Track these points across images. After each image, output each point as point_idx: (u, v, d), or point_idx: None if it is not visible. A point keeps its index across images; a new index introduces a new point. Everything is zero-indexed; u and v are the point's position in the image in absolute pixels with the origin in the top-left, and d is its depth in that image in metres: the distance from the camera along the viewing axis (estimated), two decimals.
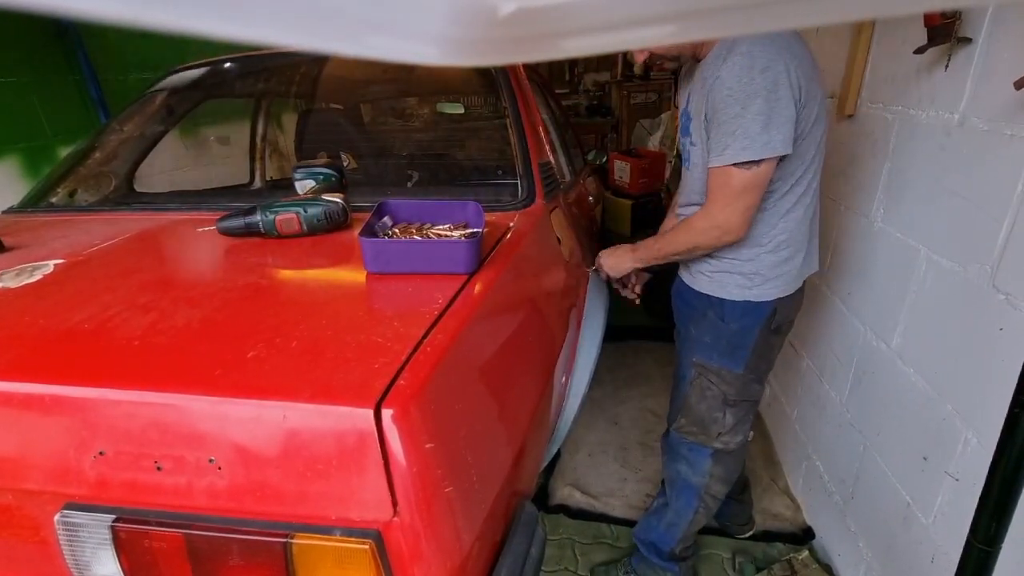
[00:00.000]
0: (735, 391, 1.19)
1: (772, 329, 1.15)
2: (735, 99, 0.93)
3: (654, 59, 1.12)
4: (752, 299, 1.11)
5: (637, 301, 1.40)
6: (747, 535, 1.58)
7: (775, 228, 1.07)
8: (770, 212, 1.06)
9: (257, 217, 1.01)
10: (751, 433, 1.30)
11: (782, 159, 0.98)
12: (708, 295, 1.16)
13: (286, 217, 1.00)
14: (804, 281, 1.17)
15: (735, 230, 1.02)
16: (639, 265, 1.25)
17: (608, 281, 1.38)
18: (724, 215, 1.01)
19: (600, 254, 1.34)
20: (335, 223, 1.02)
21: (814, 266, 1.18)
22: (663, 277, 1.45)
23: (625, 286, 1.38)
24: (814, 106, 0.97)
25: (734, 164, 0.96)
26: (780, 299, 1.12)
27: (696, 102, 1.05)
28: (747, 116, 0.93)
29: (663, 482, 1.40)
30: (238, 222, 1.03)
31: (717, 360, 1.18)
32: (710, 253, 1.12)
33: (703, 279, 1.17)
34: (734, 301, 1.13)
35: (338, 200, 1.02)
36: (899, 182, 1.19)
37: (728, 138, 0.95)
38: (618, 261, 1.29)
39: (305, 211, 1.00)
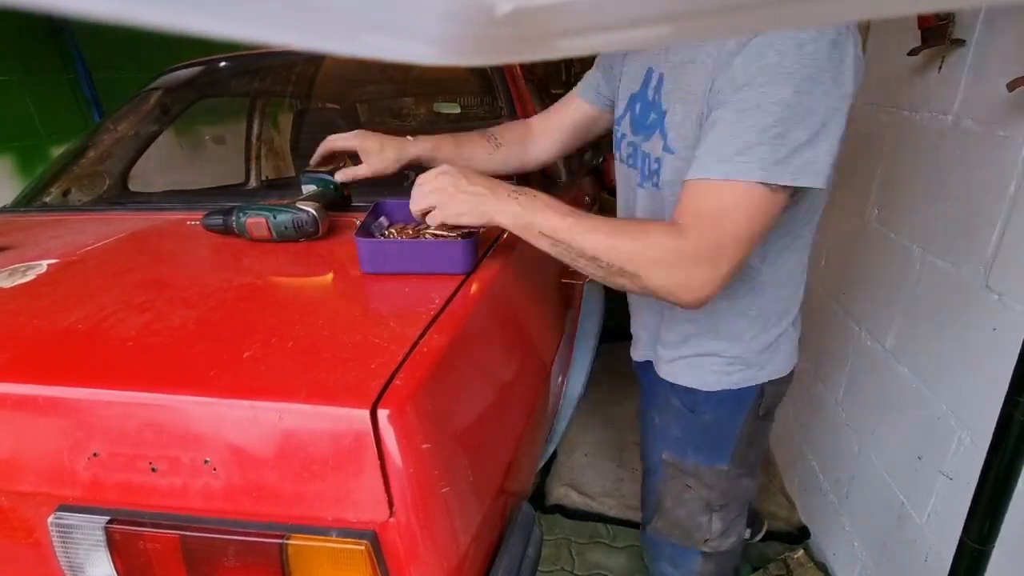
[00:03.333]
0: (719, 493, 0.91)
1: (761, 415, 0.88)
2: (787, 74, 0.56)
3: None
4: (730, 387, 0.84)
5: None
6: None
7: (773, 299, 0.79)
8: (769, 269, 0.77)
9: (232, 217, 1.00)
10: (748, 532, 1.07)
11: (799, 193, 0.65)
12: (669, 381, 0.88)
13: (256, 221, 0.98)
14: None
15: (709, 291, 0.63)
16: (511, 230, 0.73)
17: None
18: (701, 264, 0.62)
19: (431, 177, 0.76)
20: (303, 232, 0.97)
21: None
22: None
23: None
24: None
25: (760, 182, 0.58)
26: (769, 382, 0.85)
27: (689, 81, 0.67)
28: (796, 110, 0.57)
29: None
30: (217, 220, 1.02)
31: (692, 456, 0.91)
32: (666, 324, 0.83)
33: (662, 364, 0.89)
34: (706, 392, 0.85)
35: (308, 208, 0.96)
36: (893, 183, 1.20)
37: (752, 137, 0.58)
38: (476, 205, 0.72)
39: (274, 217, 0.97)
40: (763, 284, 0.77)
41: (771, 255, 0.75)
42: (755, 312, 0.79)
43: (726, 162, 0.59)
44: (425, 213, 0.76)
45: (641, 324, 0.96)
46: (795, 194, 0.63)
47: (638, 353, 0.98)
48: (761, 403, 0.87)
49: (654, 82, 0.74)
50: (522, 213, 0.70)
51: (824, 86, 0.57)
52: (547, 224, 0.70)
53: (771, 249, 0.75)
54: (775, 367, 0.84)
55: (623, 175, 0.88)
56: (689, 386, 0.86)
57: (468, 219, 0.73)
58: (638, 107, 0.78)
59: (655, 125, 0.74)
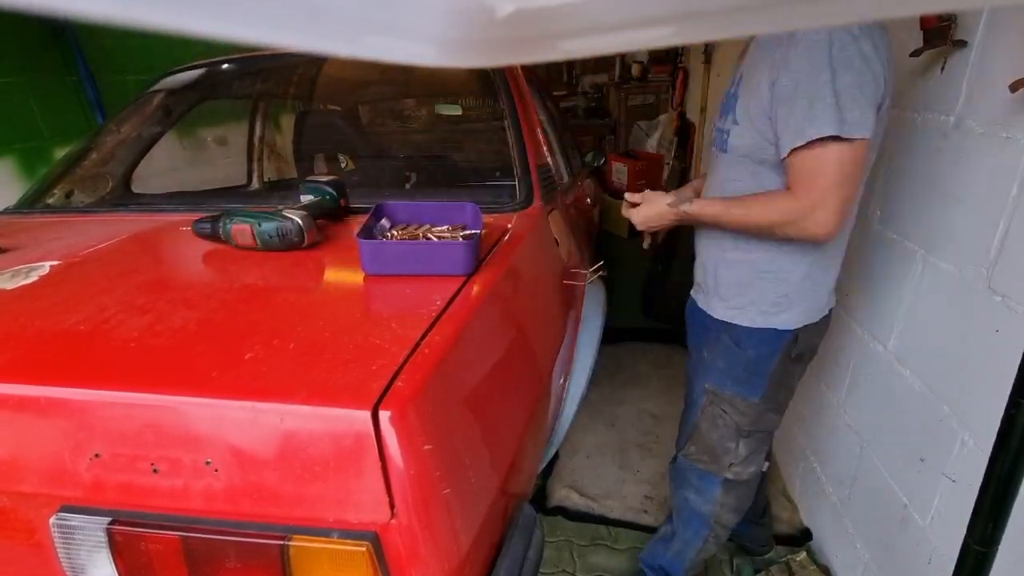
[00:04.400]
0: (749, 421, 1.10)
1: (793, 357, 1.05)
2: (825, 62, 0.79)
3: None
4: (767, 326, 1.02)
5: (646, 247, 1.24)
6: (766, 556, 1.52)
7: (819, 248, 0.96)
8: None
9: (219, 224, 0.98)
10: (766, 464, 1.22)
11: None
12: (723, 320, 1.07)
13: (240, 228, 0.95)
14: (829, 313, 1.07)
15: (830, 228, 0.85)
16: (678, 222, 1.09)
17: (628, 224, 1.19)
18: (820, 206, 0.83)
19: (636, 208, 1.13)
20: (288, 241, 0.94)
21: (832, 300, 1.08)
22: (663, 277, 1.42)
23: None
24: (883, 103, 0.85)
25: (830, 137, 0.79)
26: (803, 326, 1.02)
27: (754, 76, 0.91)
28: (839, 83, 0.78)
29: (671, 510, 1.32)
30: (206, 226, 1.00)
31: (731, 387, 1.09)
32: (724, 271, 1.04)
33: (719, 306, 1.07)
34: (750, 327, 1.03)
35: (294, 217, 0.94)
36: (895, 184, 1.20)
37: (818, 106, 0.79)
38: (656, 214, 1.09)
39: (259, 224, 0.94)
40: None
41: None
42: (785, 259, 0.98)
43: (802, 134, 0.82)
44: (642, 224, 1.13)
45: (701, 267, 1.13)
46: (866, 141, 0.81)
47: (699, 297, 1.15)
48: (794, 346, 1.03)
49: (736, 80, 0.98)
50: (690, 213, 1.03)
51: (856, 64, 0.78)
52: (703, 213, 1.01)
53: None
54: (805, 312, 1.01)
55: (710, 156, 1.09)
56: (738, 323, 1.04)
57: (648, 224, 1.12)
58: (725, 100, 1.01)
59: (731, 108, 0.97)
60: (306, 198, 1.09)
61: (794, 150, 0.84)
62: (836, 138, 0.79)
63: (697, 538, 1.24)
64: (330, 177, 1.10)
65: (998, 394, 0.75)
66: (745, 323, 1.03)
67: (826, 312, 1.06)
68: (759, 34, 0.72)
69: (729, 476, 1.15)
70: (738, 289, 1.04)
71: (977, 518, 0.76)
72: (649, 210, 1.10)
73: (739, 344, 1.06)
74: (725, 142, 0.99)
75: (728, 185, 1.01)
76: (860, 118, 0.79)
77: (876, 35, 0.81)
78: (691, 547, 1.26)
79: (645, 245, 1.23)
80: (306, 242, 0.95)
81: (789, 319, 1.01)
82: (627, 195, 1.16)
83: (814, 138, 0.81)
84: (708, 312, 1.10)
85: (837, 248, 1.00)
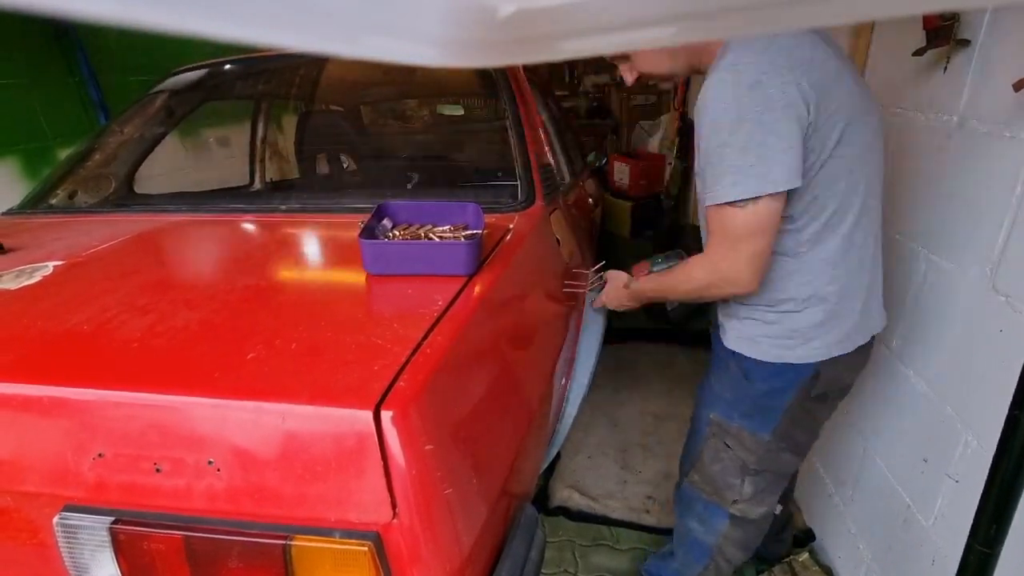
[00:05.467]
0: (756, 459, 1.00)
1: (813, 396, 0.95)
2: (720, 125, 0.78)
3: (645, 78, 0.97)
4: (780, 361, 0.93)
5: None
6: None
7: (823, 276, 0.88)
8: (804, 259, 0.88)
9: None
10: (780, 507, 1.13)
11: (799, 191, 0.81)
12: (731, 349, 0.99)
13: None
14: (869, 342, 0.97)
15: (743, 282, 0.84)
16: (637, 304, 1.11)
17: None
18: (726, 263, 0.84)
19: (600, 294, 1.20)
20: None
21: (877, 324, 0.97)
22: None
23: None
24: (837, 122, 0.79)
25: (728, 203, 0.80)
26: (824, 361, 0.92)
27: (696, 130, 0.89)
28: (734, 145, 0.77)
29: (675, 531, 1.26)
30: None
31: (738, 420, 1.00)
32: (744, 304, 0.96)
33: (731, 334, 0.99)
34: (759, 360, 0.95)
35: None
36: (898, 184, 1.19)
37: (716, 173, 0.80)
38: (616, 296, 1.14)
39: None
40: (792, 272, 0.90)
41: (800, 249, 0.89)
42: (795, 293, 0.91)
43: (710, 193, 0.83)
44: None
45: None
46: (776, 196, 0.79)
47: (717, 320, 1.08)
48: (815, 384, 0.94)
49: None
50: (637, 295, 1.09)
51: (751, 120, 0.76)
52: (646, 295, 1.07)
53: (786, 245, 0.89)
54: (825, 347, 0.92)
55: None
56: (748, 355, 0.97)
57: (613, 306, 1.19)
58: None
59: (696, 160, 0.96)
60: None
61: (707, 207, 0.85)
62: (733, 203, 0.80)
63: (696, 565, 1.17)
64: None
65: (1002, 395, 0.74)
66: (756, 356, 0.95)
67: (861, 342, 0.94)
68: (759, 34, 0.71)
69: (735, 512, 1.06)
70: (748, 317, 0.96)
71: (980, 519, 0.76)
72: (610, 290, 1.16)
73: (748, 376, 0.97)
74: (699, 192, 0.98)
75: (705, 232, 0.98)
76: (763, 173, 0.77)
77: (795, 61, 0.76)
78: (689, 571, 1.20)
79: (669, 307, 1.25)
80: None
81: (807, 353, 0.92)
82: (592, 275, 1.22)
83: (709, 204, 0.83)
84: (720, 337, 1.03)
85: (862, 274, 0.91)
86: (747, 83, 0.75)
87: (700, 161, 0.86)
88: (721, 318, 1.03)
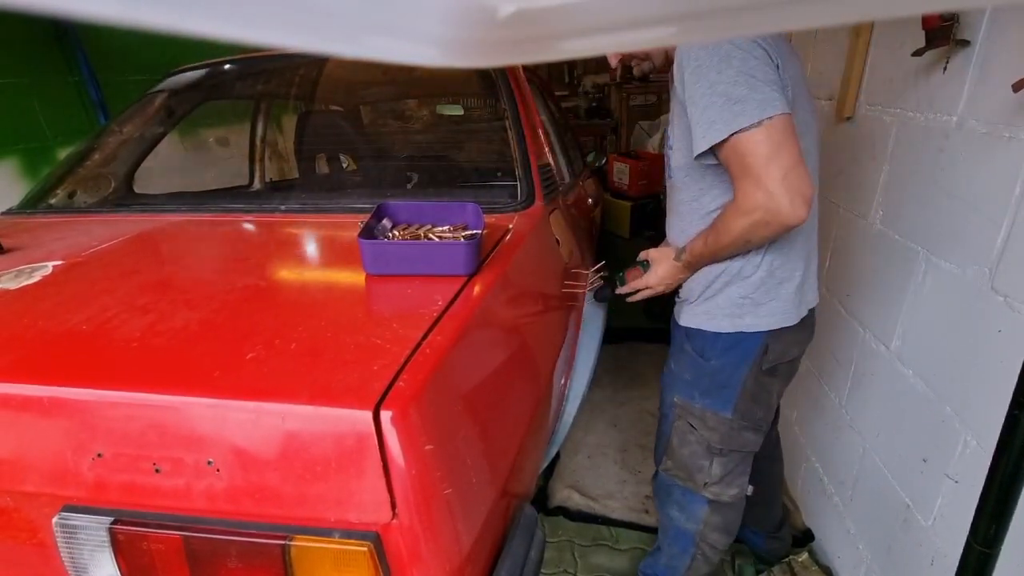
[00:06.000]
0: (719, 437, 1.05)
1: (765, 370, 1.00)
2: (707, 66, 0.80)
3: (627, 58, 1.02)
4: (733, 330, 0.98)
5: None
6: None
7: (775, 249, 0.94)
8: None
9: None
10: (751, 488, 1.17)
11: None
12: (685, 327, 1.04)
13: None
14: (810, 316, 1.03)
15: (784, 210, 0.79)
16: (693, 272, 1.04)
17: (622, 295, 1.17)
18: (761, 196, 0.80)
19: (650, 272, 1.10)
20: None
21: (813, 298, 1.04)
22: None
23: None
24: (791, 88, 0.85)
25: (737, 133, 0.79)
26: (772, 332, 0.98)
27: (674, 99, 0.93)
28: (725, 81, 0.79)
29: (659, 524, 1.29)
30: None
31: (700, 400, 1.04)
32: (700, 279, 1.00)
33: (686, 313, 1.05)
34: (715, 333, 1.00)
35: None
36: (898, 184, 1.19)
37: (713, 109, 0.80)
38: (672, 277, 1.07)
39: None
40: None
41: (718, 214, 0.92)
42: (756, 259, 0.95)
43: (715, 130, 0.81)
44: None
45: None
46: (783, 115, 0.79)
47: (676, 306, 1.12)
48: (765, 357, 0.99)
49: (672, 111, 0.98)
50: (689, 263, 1.01)
51: (737, 57, 0.79)
52: (698, 260, 0.99)
53: (718, 207, 0.93)
54: (774, 315, 0.97)
55: (667, 193, 1.10)
56: (700, 328, 1.01)
57: (668, 284, 1.08)
58: (667, 131, 1.03)
59: (668, 139, 1.00)
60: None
61: (718, 152, 0.84)
62: (747, 127, 0.79)
63: (684, 555, 1.20)
64: None
65: (1001, 395, 0.74)
66: (711, 328, 1.00)
67: (804, 313, 1.01)
68: (759, 34, 0.73)
69: (709, 496, 1.10)
70: (701, 294, 1.01)
71: (980, 519, 0.76)
72: (663, 270, 1.06)
73: (703, 354, 1.02)
74: (670, 168, 1.01)
75: (683, 208, 1.00)
76: (759, 100, 0.78)
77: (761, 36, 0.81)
78: (679, 562, 1.22)
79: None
80: None
81: (755, 322, 0.97)
82: (641, 257, 1.13)
83: (721, 138, 0.81)
84: (677, 319, 1.08)
85: (799, 241, 0.96)
86: (724, 40, 0.80)
87: (691, 113, 0.85)
88: (677, 301, 1.09)
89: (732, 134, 0.79)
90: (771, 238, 0.89)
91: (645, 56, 1.01)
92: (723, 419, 1.03)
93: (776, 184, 0.79)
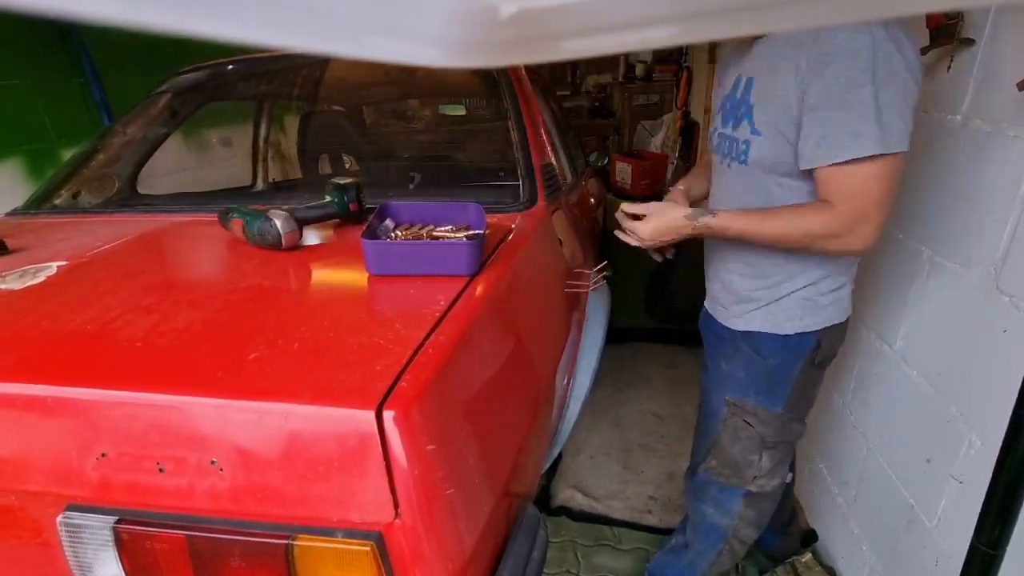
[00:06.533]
0: (774, 432, 1.06)
1: (816, 363, 1.02)
2: (867, 74, 0.74)
3: None
4: (796, 331, 0.98)
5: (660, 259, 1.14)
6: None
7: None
8: None
9: (228, 215, 1.04)
10: (790, 475, 1.18)
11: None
12: (740, 330, 1.04)
13: (237, 222, 1.01)
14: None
15: (870, 242, 0.82)
16: (695, 236, 0.99)
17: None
18: (865, 219, 0.80)
19: (640, 220, 1.01)
20: (268, 243, 0.95)
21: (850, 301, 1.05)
22: (663, 277, 1.41)
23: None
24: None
25: (875, 155, 0.76)
26: (825, 329, 0.98)
27: (773, 82, 0.85)
28: (882, 96, 0.74)
29: (684, 520, 1.30)
30: (225, 214, 1.07)
31: (754, 398, 1.05)
32: (742, 280, 1.00)
33: (738, 318, 1.04)
34: (773, 334, 1.00)
35: (275, 221, 0.94)
36: (901, 184, 1.18)
37: (860, 123, 0.75)
38: (669, 228, 0.98)
39: (247, 220, 0.98)
40: None
41: None
42: (815, 264, 0.95)
43: (843, 150, 0.78)
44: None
45: (717, 280, 1.10)
46: (901, 156, 0.78)
47: (715, 310, 1.12)
48: (817, 352, 1.00)
49: (743, 85, 0.92)
50: (710, 225, 0.94)
51: (901, 77, 0.75)
52: (727, 227, 0.92)
53: None
54: (830, 314, 0.98)
55: (715, 162, 1.06)
56: (760, 330, 1.01)
57: (660, 238, 1.00)
58: (728, 105, 0.97)
59: (743, 116, 0.92)
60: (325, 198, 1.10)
61: (833, 164, 0.80)
62: (879, 155, 0.77)
63: (711, 550, 1.20)
64: (349, 180, 1.10)
65: (1006, 395, 0.74)
66: (773, 331, 0.99)
67: (851, 312, 1.03)
68: (761, 33, 0.72)
69: (753, 489, 1.11)
70: (759, 296, 1.00)
71: (985, 520, 0.75)
72: (660, 223, 0.98)
73: (760, 352, 1.02)
74: (744, 153, 0.93)
75: (746, 197, 0.95)
76: (902, 131, 0.76)
77: (910, 38, 0.77)
78: (704, 558, 1.22)
79: (657, 258, 1.12)
80: (284, 244, 0.96)
81: (816, 321, 0.98)
82: (625, 206, 1.04)
83: (857, 156, 0.77)
84: (725, 324, 1.06)
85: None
86: (895, 42, 0.75)
87: (799, 114, 0.81)
88: (724, 303, 1.07)
89: (865, 157, 0.77)
90: (819, 252, 0.89)
91: None
92: (775, 414, 1.05)
93: (878, 222, 0.81)
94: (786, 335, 0.99)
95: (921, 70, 0.78)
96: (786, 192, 0.91)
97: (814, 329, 0.98)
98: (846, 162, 0.78)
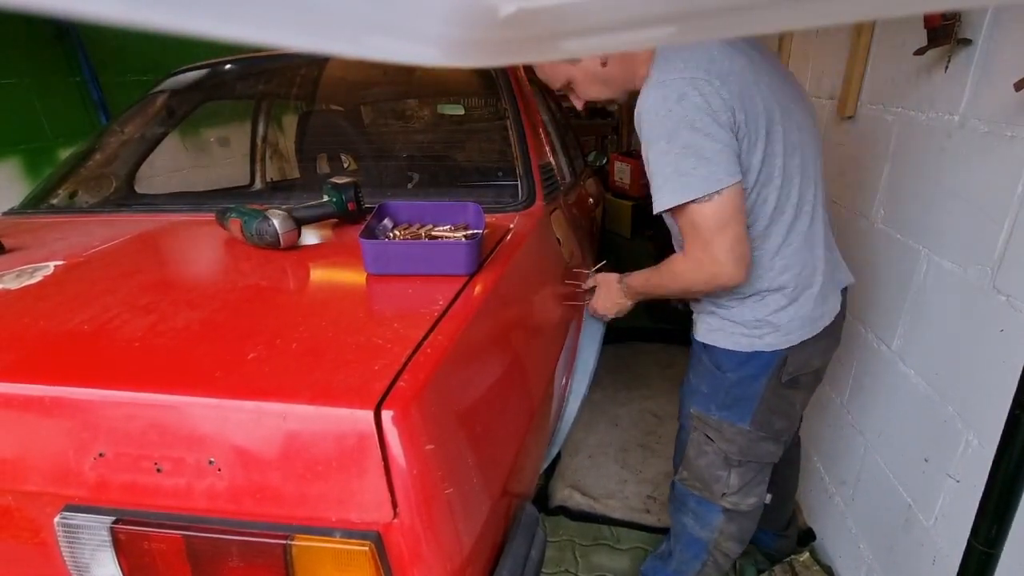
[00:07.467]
0: (738, 449, 1.04)
1: (784, 382, 1.00)
2: (658, 135, 0.84)
3: (591, 104, 1.04)
4: (751, 349, 0.98)
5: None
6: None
7: (772, 268, 0.95)
8: (756, 254, 0.93)
9: (226, 214, 1.04)
10: (769, 496, 1.16)
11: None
12: (702, 342, 1.05)
13: (235, 222, 1.00)
14: (835, 322, 1.02)
15: (727, 274, 0.87)
16: (628, 304, 1.15)
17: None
18: (707, 260, 0.87)
19: (591, 302, 1.20)
20: (266, 242, 0.95)
21: (835, 305, 1.02)
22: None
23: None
24: (761, 124, 0.86)
25: (690, 202, 0.84)
26: (791, 348, 0.97)
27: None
28: (674, 151, 0.82)
29: (670, 529, 1.30)
30: (222, 214, 1.06)
31: (716, 412, 1.05)
32: (710, 298, 1.02)
33: (701, 326, 1.06)
34: (728, 350, 1.00)
35: (273, 221, 0.94)
36: (899, 183, 1.19)
37: (663, 177, 0.85)
38: (612, 303, 1.16)
39: (245, 220, 0.97)
40: (765, 257, 0.95)
41: (755, 243, 0.93)
42: (756, 286, 0.96)
43: (666, 196, 0.85)
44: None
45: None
46: (732, 188, 0.83)
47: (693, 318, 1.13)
48: (784, 369, 0.99)
49: None
50: (634, 294, 1.11)
51: (685, 127, 0.81)
52: (640, 293, 1.09)
53: (752, 236, 0.93)
54: (787, 332, 0.98)
55: None
56: (717, 345, 1.02)
57: (611, 313, 1.18)
58: None
59: None
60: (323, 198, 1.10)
61: (663, 212, 0.88)
62: (695, 201, 0.83)
63: (695, 560, 1.20)
64: (347, 179, 1.10)
65: (1003, 394, 0.74)
66: (726, 345, 1.00)
67: (827, 323, 1.00)
68: (759, 34, 0.72)
69: (727, 505, 1.10)
70: (717, 310, 1.02)
71: (982, 519, 0.76)
72: (606, 295, 1.15)
73: (719, 367, 1.03)
74: None
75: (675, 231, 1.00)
76: (708, 173, 0.81)
77: (713, 74, 0.82)
78: (689, 568, 1.22)
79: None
80: (282, 244, 0.95)
81: (775, 341, 0.97)
82: (584, 284, 1.20)
83: (665, 208, 0.86)
84: (694, 335, 1.08)
85: (806, 257, 0.96)
86: (674, 97, 0.82)
87: (650, 176, 0.89)
88: (694, 314, 1.09)
89: (683, 204, 0.84)
90: (710, 293, 0.96)
91: (611, 100, 1.02)
92: (741, 430, 1.03)
93: (724, 253, 0.85)
94: (743, 351, 0.99)
95: (727, 108, 0.82)
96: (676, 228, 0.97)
97: (773, 349, 0.97)
98: (668, 210, 0.87)
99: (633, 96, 0.95)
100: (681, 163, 0.82)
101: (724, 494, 1.09)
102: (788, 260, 0.95)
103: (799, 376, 1.01)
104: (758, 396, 1.00)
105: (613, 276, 1.15)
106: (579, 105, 1.02)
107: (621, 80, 0.95)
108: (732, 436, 1.04)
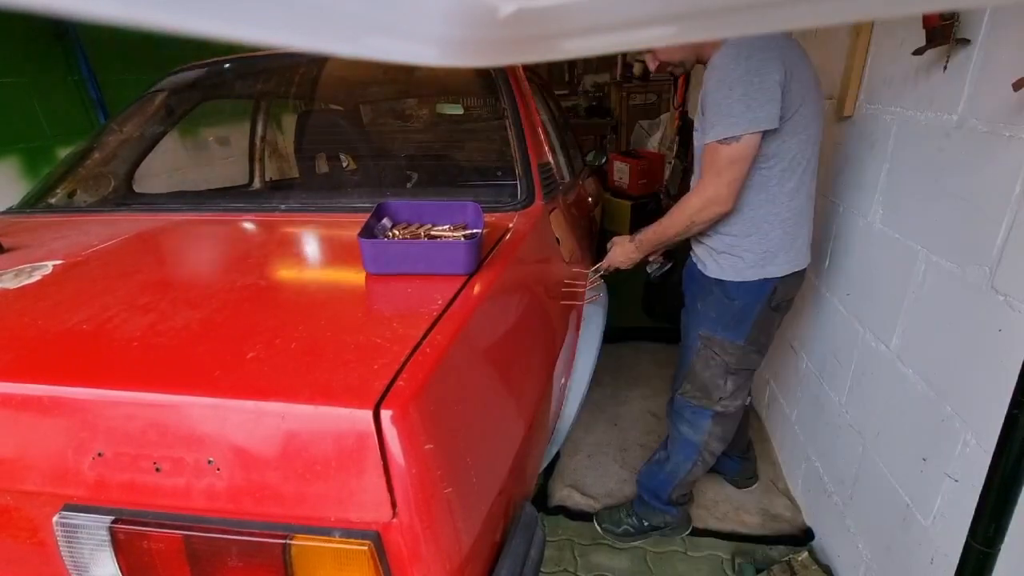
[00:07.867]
0: (736, 360, 1.31)
1: (772, 307, 1.27)
2: (723, 83, 1.06)
3: (664, 65, 1.24)
4: (757, 278, 1.22)
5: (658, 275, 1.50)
6: (751, 487, 1.76)
7: (784, 207, 1.17)
8: (776, 191, 1.16)
9: None
10: (749, 398, 1.46)
11: (773, 135, 1.09)
12: (716, 278, 1.27)
13: None
14: (805, 269, 1.27)
15: (723, 201, 1.13)
16: (643, 254, 1.36)
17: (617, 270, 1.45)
18: (713, 188, 1.12)
19: (607, 257, 1.42)
20: None
21: (808, 255, 1.28)
22: (661, 279, 1.48)
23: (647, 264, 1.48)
24: (799, 93, 1.08)
25: (719, 140, 1.07)
26: (782, 278, 1.23)
27: (700, 96, 1.17)
28: (733, 97, 1.05)
29: (665, 439, 1.54)
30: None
31: (721, 332, 1.30)
32: (716, 238, 1.23)
33: (713, 265, 1.29)
34: (739, 282, 1.24)
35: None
36: (897, 183, 1.19)
37: (715, 117, 1.07)
38: (626, 257, 1.38)
39: None
40: (765, 201, 1.19)
41: (774, 183, 1.16)
42: (767, 218, 1.19)
43: (708, 134, 1.11)
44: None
45: (697, 243, 1.34)
46: (756, 135, 1.07)
47: (696, 261, 1.36)
48: (773, 297, 1.25)
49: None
50: (643, 244, 1.34)
51: (745, 80, 1.04)
52: (651, 241, 1.32)
53: (762, 179, 1.16)
54: (782, 262, 1.23)
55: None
56: (731, 279, 1.25)
57: (625, 263, 1.41)
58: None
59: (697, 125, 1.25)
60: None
61: (704, 146, 1.13)
62: (722, 140, 1.08)
63: (687, 462, 1.46)
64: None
65: (1001, 394, 0.74)
66: (736, 279, 1.24)
67: (802, 266, 1.26)
68: (758, 33, 0.74)
69: (719, 409, 1.37)
70: (729, 251, 1.24)
71: (980, 518, 0.76)
72: (621, 251, 1.39)
73: (728, 296, 1.27)
74: (695, 151, 1.26)
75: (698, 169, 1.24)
76: (751, 119, 1.05)
77: (775, 47, 1.05)
78: (682, 469, 1.47)
79: (654, 270, 1.49)
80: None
81: (775, 269, 1.22)
82: (591, 274, 1.47)
83: (709, 141, 1.10)
84: (704, 272, 1.30)
85: (804, 208, 1.22)
86: (744, 56, 1.05)
87: (705, 114, 1.12)
88: (702, 257, 1.31)
89: (718, 140, 1.08)
90: (707, 222, 1.19)
91: (679, 63, 1.23)
92: (738, 346, 1.30)
93: (727, 183, 1.11)
94: (749, 281, 1.23)
95: (782, 71, 1.05)
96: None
97: (772, 276, 1.22)
98: (707, 145, 1.12)
99: (690, 67, 1.24)
100: (734, 106, 1.05)
101: (720, 399, 1.36)
102: (794, 202, 1.18)
103: (781, 303, 1.29)
104: (753, 318, 1.26)
105: (626, 237, 1.39)
106: (652, 66, 1.24)
107: (699, 46, 1.17)
108: (732, 350, 1.30)
